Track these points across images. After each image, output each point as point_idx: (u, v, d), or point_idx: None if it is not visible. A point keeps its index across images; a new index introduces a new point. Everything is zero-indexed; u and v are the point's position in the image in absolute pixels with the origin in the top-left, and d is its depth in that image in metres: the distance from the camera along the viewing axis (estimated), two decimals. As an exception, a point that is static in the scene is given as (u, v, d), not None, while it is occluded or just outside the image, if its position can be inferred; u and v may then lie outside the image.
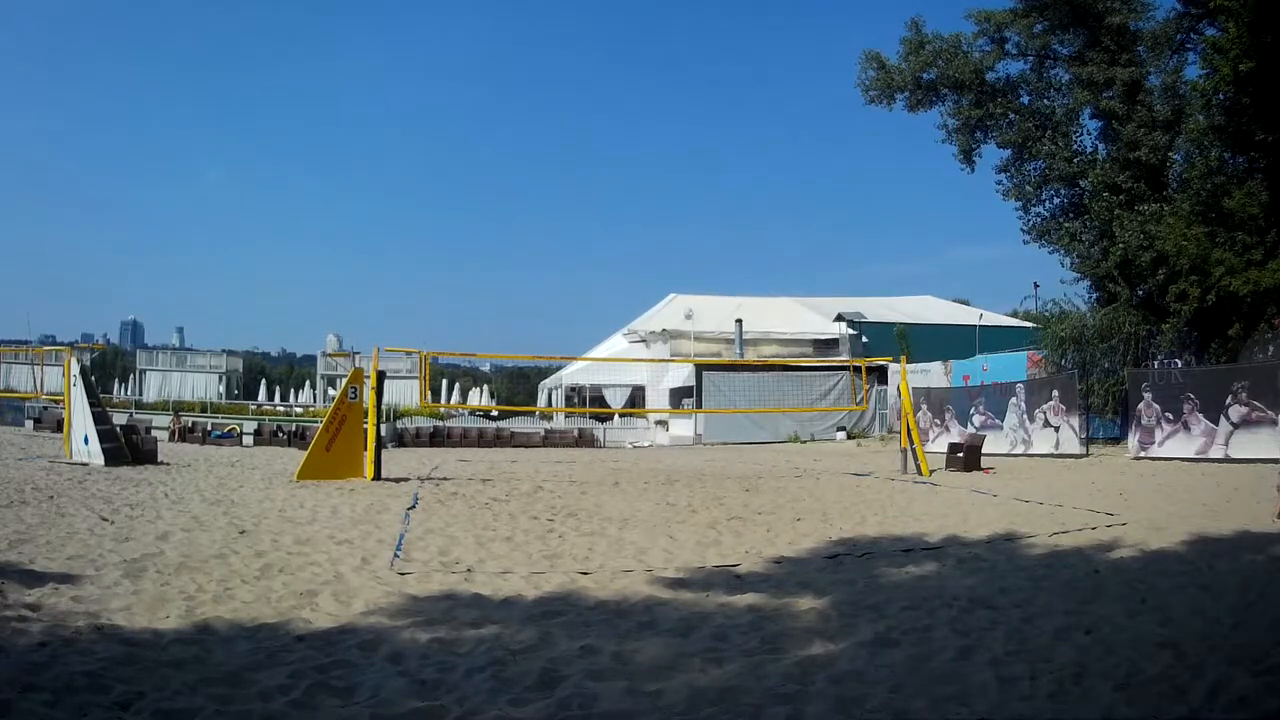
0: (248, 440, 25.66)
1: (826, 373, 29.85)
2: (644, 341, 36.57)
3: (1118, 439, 18.49)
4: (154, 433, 20.40)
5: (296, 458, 15.05)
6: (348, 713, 3.33)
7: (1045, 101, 21.58)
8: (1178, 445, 16.05)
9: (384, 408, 15.27)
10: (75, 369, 14.86)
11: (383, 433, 14.49)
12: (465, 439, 28.65)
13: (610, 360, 33.33)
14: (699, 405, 29.95)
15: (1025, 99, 21.86)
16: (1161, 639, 4.13)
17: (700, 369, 29.87)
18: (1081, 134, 21.22)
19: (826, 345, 35.37)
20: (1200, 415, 15.73)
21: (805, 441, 28.44)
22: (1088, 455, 17.88)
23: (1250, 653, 3.85)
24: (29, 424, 27.48)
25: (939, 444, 20.76)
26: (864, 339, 33.26)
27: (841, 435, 28.43)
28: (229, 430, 26.56)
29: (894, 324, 34.12)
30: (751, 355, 33.76)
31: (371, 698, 3.47)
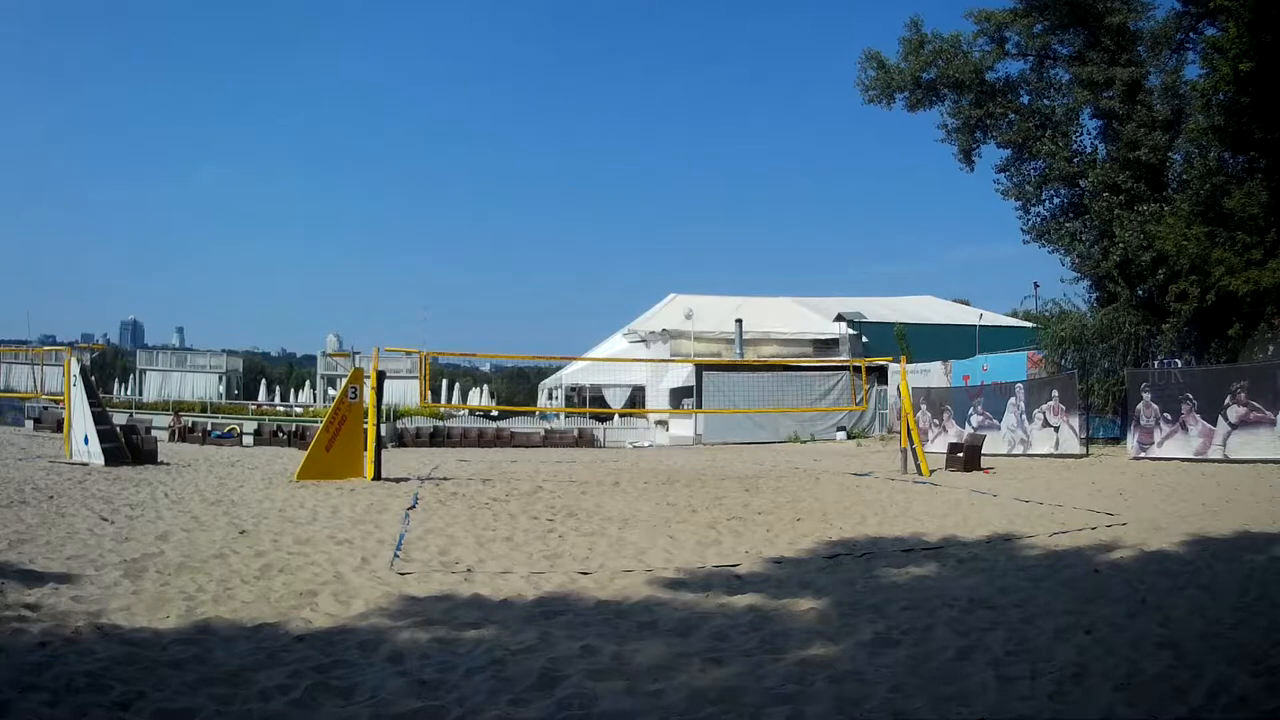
0: (248, 440, 25.66)
1: (826, 373, 29.86)
2: (644, 341, 36.55)
3: (1117, 439, 18.48)
4: (154, 433, 20.41)
5: (296, 458, 15.05)
6: (348, 713, 3.33)
7: (1045, 101, 21.57)
8: (1177, 445, 16.04)
9: (384, 408, 15.26)
10: (75, 369, 14.86)
11: (383, 433, 14.49)
12: (465, 439, 28.65)
13: (610, 360, 33.33)
14: (699, 405, 29.95)
15: (1025, 99, 21.85)
16: (1161, 639, 4.13)
17: (700, 369, 29.87)
18: (1081, 134, 21.25)
19: (826, 345, 35.37)
20: (1198, 416, 15.72)
21: (805, 441, 28.45)
22: (1087, 455, 17.87)
23: (1250, 653, 3.85)
24: (29, 424, 27.48)
25: (938, 444, 20.76)
26: (864, 339, 33.27)
27: (841, 435, 28.44)
28: (229, 430, 26.57)
29: (894, 324, 34.13)
30: (751, 355, 33.76)
31: (371, 698, 3.47)
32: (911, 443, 15.38)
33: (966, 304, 45.38)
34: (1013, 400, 20.41)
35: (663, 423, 32.57)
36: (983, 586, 5.57)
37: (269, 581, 5.59)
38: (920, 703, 3.38)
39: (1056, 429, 18.91)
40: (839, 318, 35.11)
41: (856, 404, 26.11)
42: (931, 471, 14.75)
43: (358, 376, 13.42)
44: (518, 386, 69.56)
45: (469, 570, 6.20)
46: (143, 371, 37.91)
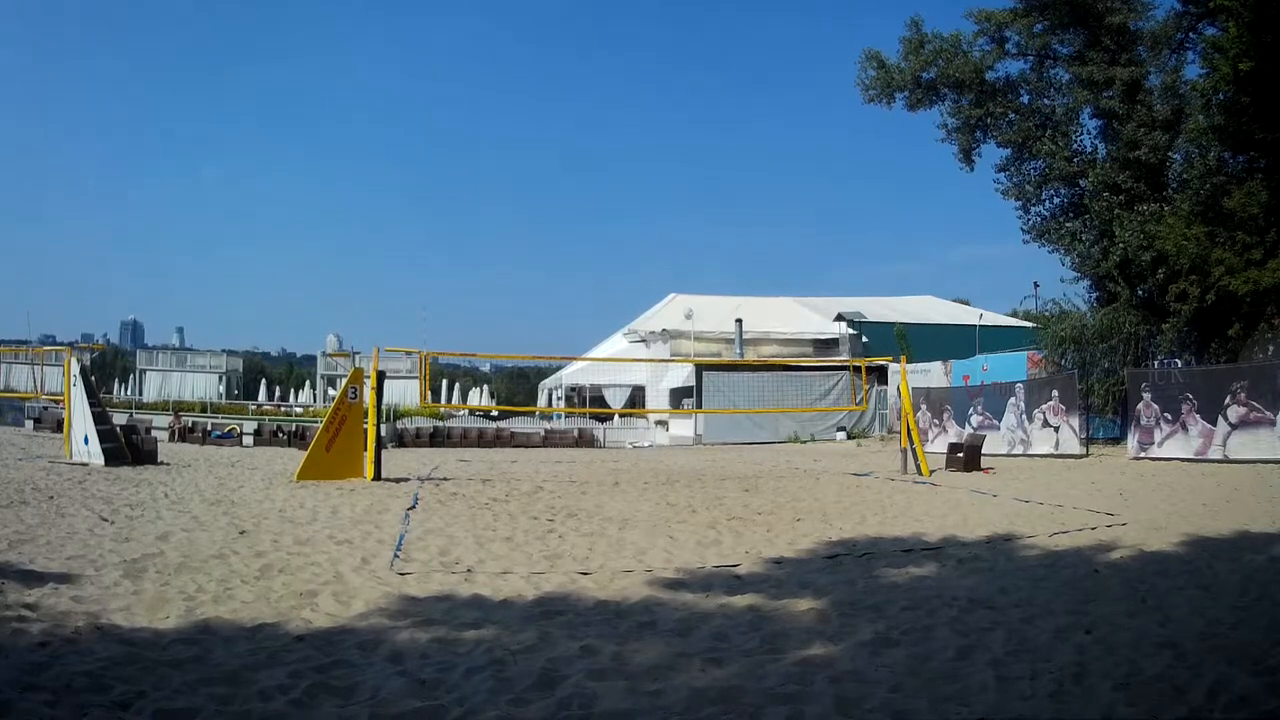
0: (248, 440, 25.66)
1: (826, 373, 29.85)
2: (644, 341, 36.54)
3: (1117, 439, 18.48)
4: (154, 433, 20.39)
5: (296, 458, 15.05)
6: (347, 713, 3.33)
7: (1045, 101, 21.58)
8: (1176, 445, 16.04)
9: (384, 408, 15.26)
10: (75, 369, 14.85)
11: (383, 433, 14.49)
12: (465, 439, 28.64)
13: (610, 360, 33.32)
14: (699, 405, 29.94)
15: (1025, 98, 21.86)
16: (1161, 639, 4.13)
17: (700, 369, 29.86)
18: (1081, 133, 21.26)
19: (826, 345, 35.36)
20: (1198, 416, 15.71)
21: (805, 441, 28.44)
22: (1087, 455, 17.87)
23: (1250, 653, 3.85)
24: (29, 424, 27.48)
25: (938, 444, 20.76)
26: (864, 339, 33.25)
27: (841, 435, 28.43)
28: (229, 430, 26.55)
29: (894, 324, 34.10)
30: (751, 355, 33.75)
31: (371, 698, 3.47)
32: (911, 443, 15.37)
33: (966, 304, 45.42)
34: (1013, 400, 20.41)
35: (663, 423, 32.57)
36: (983, 586, 5.57)
37: (269, 582, 5.59)
38: (920, 703, 3.38)
39: (1056, 429, 18.90)
40: (839, 317, 35.10)
41: (856, 404, 26.11)
42: (931, 471, 14.74)
43: (358, 376, 13.42)
44: (518, 386, 69.59)
45: (469, 570, 6.19)
46: (143, 371, 37.91)
